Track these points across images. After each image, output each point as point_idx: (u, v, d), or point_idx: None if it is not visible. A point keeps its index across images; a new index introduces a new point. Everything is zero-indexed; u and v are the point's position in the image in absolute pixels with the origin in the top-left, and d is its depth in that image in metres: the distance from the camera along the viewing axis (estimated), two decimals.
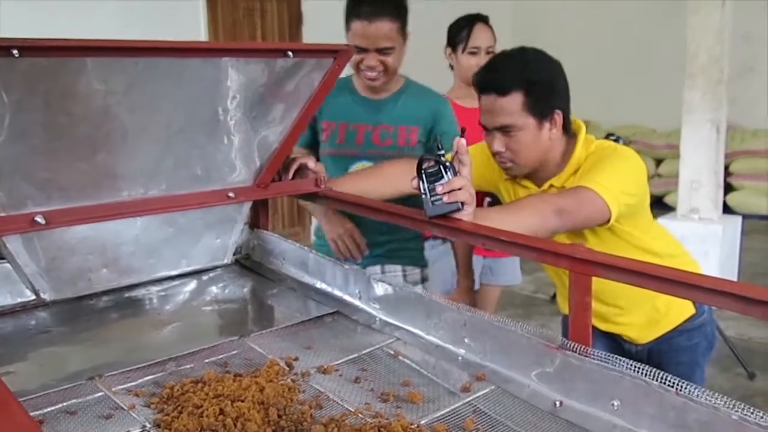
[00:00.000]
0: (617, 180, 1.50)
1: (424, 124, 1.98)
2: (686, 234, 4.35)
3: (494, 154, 1.61)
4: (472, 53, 2.49)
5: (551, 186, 1.62)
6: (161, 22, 4.83)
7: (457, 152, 1.32)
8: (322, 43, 1.39)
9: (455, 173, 1.30)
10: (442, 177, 1.28)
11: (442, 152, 1.30)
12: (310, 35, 5.72)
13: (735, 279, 4.58)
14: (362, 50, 1.85)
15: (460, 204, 1.30)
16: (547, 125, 1.56)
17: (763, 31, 6.97)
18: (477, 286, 2.59)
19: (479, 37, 2.48)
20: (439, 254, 2.57)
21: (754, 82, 7.16)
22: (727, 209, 5.82)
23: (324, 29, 5.79)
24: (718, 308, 1.03)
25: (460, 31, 2.51)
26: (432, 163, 1.30)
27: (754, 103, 7.05)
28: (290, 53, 1.32)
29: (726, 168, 5.64)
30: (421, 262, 2.14)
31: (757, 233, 6.01)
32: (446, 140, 1.40)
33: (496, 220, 1.35)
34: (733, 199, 6.70)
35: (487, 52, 2.46)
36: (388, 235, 1.99)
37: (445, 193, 1.29)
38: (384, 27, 1.83)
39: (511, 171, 1.63)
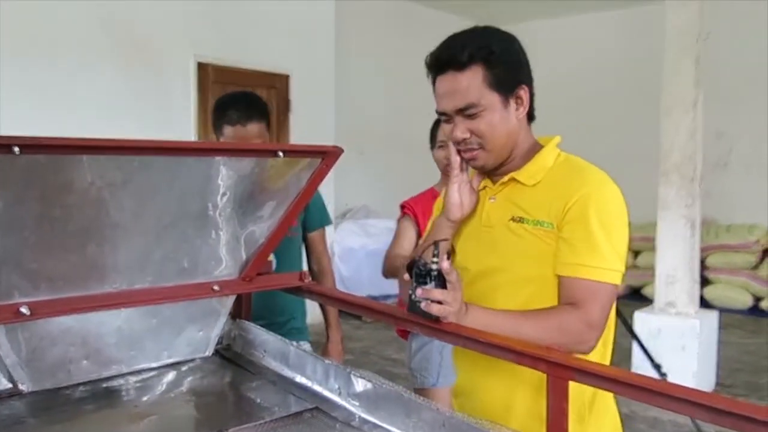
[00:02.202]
0: (621, 252, 1.37)
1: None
2: (664, 327, 4.39)
3: (457, 144, 1.44)
4: (441, 147, 2.60)
5: (512, 179, 1.44)
6: (152, 104, 4.96)
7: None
8: (310, 144, 1.45)
9: (442, 285, 1.26)
10: (427, 282, 1.28)
11: (436, 260, 1.26)
12: (297, 120, 5.90)
13: (713, 373, 4.58)
14: None
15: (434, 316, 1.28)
16: (513, 103, 1.40)
17: (735, 128, 7.27)
18: (435, 383, 2.59)
19: (444, 130, 2.61)
20: (422, 343, 2.59)
21: (728, 178, 7.40)
22: (704, 302, 5.89)
23: (309, 115, 5.96)
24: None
25: (432, 131, 2.64)
26: (422, 264, 1.28)
27: (728, 197, 7.26)
28: (281, 153, 1.38)
29: (702, 262, 5.76)
30: (308, 337, 2.43)
31: (733, 327, 6.07)
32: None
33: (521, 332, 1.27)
34: (709, 292, 6.80)
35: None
36: (286, 315, 2.28)
37: (423, 299, 1.27)
38: (254, 129, 2.12)
39: (477, 161, 1.44)
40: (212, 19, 5.30)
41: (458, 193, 1.48)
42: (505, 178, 1.45)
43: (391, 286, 2.51)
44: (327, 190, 2.32)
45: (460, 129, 1.40)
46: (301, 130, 5.87)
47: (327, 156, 1.44)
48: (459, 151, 1.45)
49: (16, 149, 1.07)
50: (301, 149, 1.43)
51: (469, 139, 1.41)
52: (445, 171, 1.69)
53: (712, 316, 4.67)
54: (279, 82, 5.68)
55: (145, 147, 1.21)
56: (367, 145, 7.21)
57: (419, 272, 1.28)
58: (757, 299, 6.81)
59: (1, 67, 4.15)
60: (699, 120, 4.34)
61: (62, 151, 1.14)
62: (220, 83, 5.27)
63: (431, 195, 2.57)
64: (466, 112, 1.38)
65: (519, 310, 1.36)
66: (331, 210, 3.92)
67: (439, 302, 1.25)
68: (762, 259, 6.87)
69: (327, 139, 6.06)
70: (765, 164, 7.28)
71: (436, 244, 1.27)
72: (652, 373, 1.74)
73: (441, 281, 1.26)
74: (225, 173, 1.37)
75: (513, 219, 1.43)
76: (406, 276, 1.31)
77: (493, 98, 1.38)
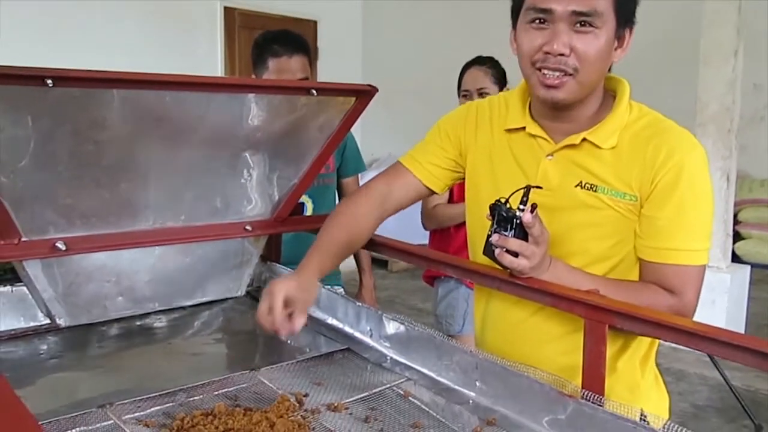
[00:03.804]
0: (711, 227, 1.24)
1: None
2: None
3: (544, 60, 1.16)
4: (465, 96, 2.56)
5: (584, 140, 1.23)
6: (178, 49, 4.92)
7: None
8: (344, 83, 1.42)
9: (524, 235, 1.14)
10: (507, 229, 1.16)
11: (522, 207, 1.14)
12: (324, 68, 5.82)
13: (742, 328, 4.55)
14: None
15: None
16: (617, 42, 1.19)
17: None
18: (461, 331, 2.59)
19: (468, 81, 2.57)
20: (448, 289, 2.59)
21: (763, 132, 7.20)
22: (735, 257, 5.81)
23: (336, 62, 5.88)
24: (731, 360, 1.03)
25: (460, 77, 2.61)
26: (505, 210, 1.16)
27: (764, 152, 7.08)
28: (314, 92, 1.35)
29: (734, 216, 5.65)
30: (341, 282, 2.41)
31: (764, 283, 5.98)
32: None
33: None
34: (741, 248, 6.67)
35: (480, 94, 2.51)
36: None
37: (498, 246, 1.16)
38: (298, 62, 2.13)
39: (560, 92, 1.18)
40: None
41: None
42: (576, 139, 1.23)
43: (417, 236, 2.50)
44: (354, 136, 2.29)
45: (562, 41, 1.13)
46: (328, 78, 5.80)
47: (361, 95, 1.41)
48: (542, 75, 1.17)
49: (50, 81, 1.06)
50: (336, 87, 1.40)
51: (567, 57, 1.14)
52: None
53: (744, 272, 4.61)
54: (306, 29, 5.61)
55: (178, 81, 1.19)
56: (394, 94, 7.11)
57: (501, 216, 1.15)
58: None
59: (29, 9, 4.14)
60: (739, 70, 4.20)
61: (95, 84, 1.12)
62: (246, 28, 5.21)
63: None
64: (583, 19, 1.13)
65: (610, 278, 1.23)
66: None
67: (515, 254, 1.14)
68: None
69: None
70: None
71: (528, 189, 1.14)
72: None
73: (523, 231, 1.14)
74: (257, 111, 1.35)
75: (581, 185, 1.24)
76: (488, 215, 1.17)
77: (611, 21, 1.15)
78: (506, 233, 1.15)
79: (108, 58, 4.50)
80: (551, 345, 1.31)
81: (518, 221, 1.13)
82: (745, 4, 4.18)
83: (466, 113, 1.41)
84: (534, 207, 1.13)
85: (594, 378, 1.11)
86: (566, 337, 1.26)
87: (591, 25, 1.13)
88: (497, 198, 1.17)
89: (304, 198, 2.23)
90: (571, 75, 1.16)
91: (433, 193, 1.45)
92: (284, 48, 2.12)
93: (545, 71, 1.16)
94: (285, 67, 2.11)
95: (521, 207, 1.14)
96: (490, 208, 1.17)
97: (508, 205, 1.16)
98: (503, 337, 1.40)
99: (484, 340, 1.45)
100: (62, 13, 4.29)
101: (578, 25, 1.13)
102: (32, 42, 4.13)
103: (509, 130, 1.32)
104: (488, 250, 1.19)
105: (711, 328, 1.00)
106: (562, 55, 1.14)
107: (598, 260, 1.25)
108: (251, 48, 2.25)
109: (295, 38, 2.19)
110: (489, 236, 1.18)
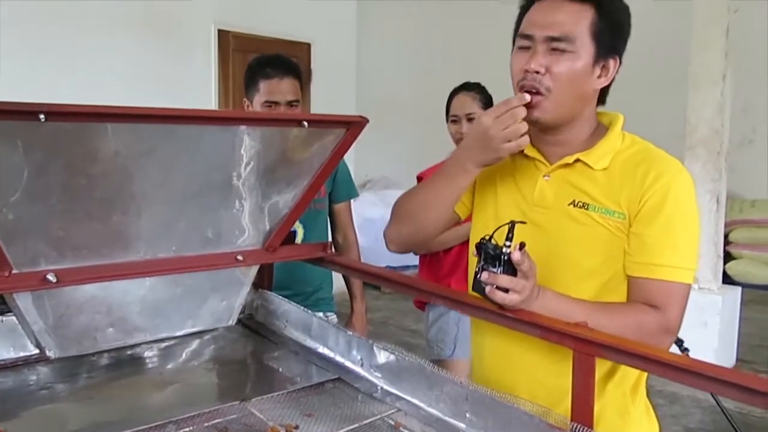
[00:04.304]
0: (697, 249, 1.29)
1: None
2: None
3: (523, 78, 1.26)
4: (453, 121, 2.58)
5: (578, 161, 1.31)
6: (173, 71, 4.94)
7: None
8: (335, 114, 1.43)
9: (512, 270, 1.16)
10: (495, 266, 1.17)
11: (509, 244, 1.16)
12: (318, 90, 5.85)
13: (734, 349, 4.55)
14: (274, 103, 2.17)
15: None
16: (599, 67, 1.27)
17: (762, 103, 7.12)
18: (452, 355, 2.60)
19: (456, 106, 2.60)
20: (439, 314, 2.60)
21: (753, 153, 7.28)
22: (726, 277, 5.83)
23: (330, 85, 5.91)
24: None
25: (448, 102, 2.64)
26: (491, 248, 1.18)
27: (753, 173, 7.14)
28: (305, 123, 1.36)
29: (725, 237, 5.68)
30: (334, 308, 2.46)
31: (755, 303, 5.99)
32: None
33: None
34: (732, 268, 6.72)
35: (468, 119, 2.54)
36: (314, 286, 2.32)
37: (488, 284, 1.17)
38: (289, 85, 2.19)
39: (535, 111, 1.26)
40: None
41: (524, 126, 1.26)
42: (570, 159, 1.31)
43: (410, 258, 2.51)
44: (347, 161, 2.31)
45: (538, 60, 1.24)
46: (322, 100, 5.84)
47: (352, 126, 1.42)
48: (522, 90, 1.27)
49: (42, 116, 1.06)
50: (327, 119, 1.41)
51: (542, 75, 1.24)
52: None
53: (735, 293, 4.62)
54: (300, 51, 5.64)
55: (170, 115, 1.20)
56: (388, 115, 7.16)
57: (488, 254, 1.17)
58: None
59: (24, 34, 4.15)
60: (727, 93, 4.25)
61: (87, 118, 1.13)
62: (240, 51, 5.25)
63: None
64: (556, 44, 1.24)
65: (595, 301, 1.26)
66: None
67: (505, 289, 1.16)
68: None
69: (348, 110, 6.03)
70: None
71: (512, 225, 1.17)
72: (674, 349, 1.73)
73: (511, 266, 1.16)
74: (249, 142, 1.36)
75: (574, 204, 1.30)
76: (474, 253, 1.21)
77: (588, 47, 1.24)
78: (494, 270, 1.17)
79: (104, 80, 4.52)
80: (545, 369, 1.33)
81: (506, 257, 1.15)
82: (733, 28, 4.23)
83: None
84: (522, 245, 1.15)
85: (583, 408, 1.11)
86: (561, 362, 1.28)
87: (566, 49, 1.24)
88: (482, 236, 1.19)
89: (296, 224, 2.24)
90: (543, 95, 1.25)
91: (458, 218, 1.48)
92: (275, 71, 2.17)
93: (526, 87, 1.26)
94: (276, 89, 2.16)
95: (507, 244, 1.15)
96: (476, 246, 1.19)
97: (494, 242, 1.17)
98: (498, 363, 1.42)
99: (482, 365, 1.47)
100: (58, 35, 4.31)
101: (554, 48, 1.24)
102: (28, 66, 4.15)
103: (511, 155, 1.35)
104: (478, 287, 1.20)
105: (697, 363, 1.01)
106: (537, 72, 1.24)
107: (589, 276, 1.30)
108: (245, 71, 2.28)
109: (286, 61, 2.24)
110: (476, 274, 1.19)
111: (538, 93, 1.25)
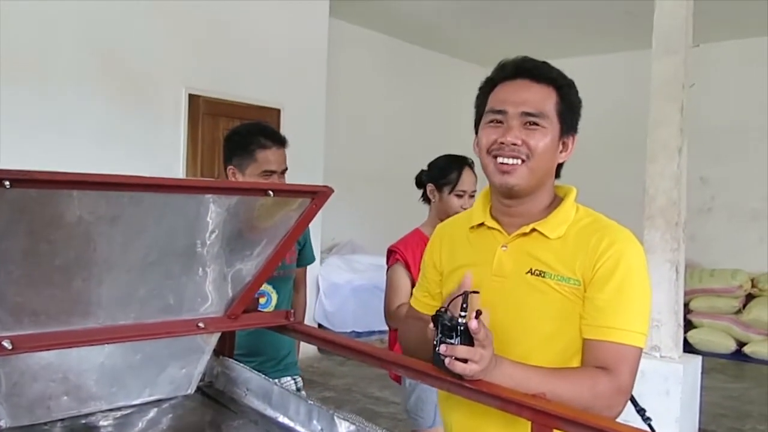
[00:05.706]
0: (648, 314, 1.35)
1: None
2: (648, 371, 4.37)
3: (500, 150, 1.35)
4: (459, 195, 2.60)
5: (534, 230, 1.38)
6: (143, 134, 4.96)
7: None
8: (300, 184, 1.46)
9: (469, 341, 1.18)
10: (452, 337, 1.19)
11: (464, 314, 1.18)
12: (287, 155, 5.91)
13: (696, 418, 4.56)
14: (271, 172, 2.23)
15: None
16: (561, 144, 1.40)
17: (718, 174, 7.40)
18: (433, 424, 2.57)
19: (466, 181, 2.61)
20: (415, 384, 2.57)
21: (711, 222, 7.50)
22: (687, 346, 5.90)
23: (299, 149, 5.99)
24: None
25: (449, 173, 2.61)
26: (447, 319, 1.20)
27: (712, 242, 7.35)
28: (271, 192, 1.38)
29: (686, 305, 5.79)
30: (299, 371, 2.48)
31: (716, 372, 6.07)
32: None
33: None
34: (693, 336, 6.83)
35: (470, 196, 2.58)
36: (285, 350, 2.33)
37: (447, 356, 1.19)
38: (283, 152, 2.28)
39: (513, 177, 1.35)
40: (204, 51, 5.35)
41: None
42: (527, 229, 1.38)
43: (376, 323, 2.51)
44: (313, 224, 2.35)
45: (515, 134, 1.34)
46: (291, 163, 5.88)
47: (317, 196, 1.45)
48: (497, 162, 1.36)
49: (7, 183, 1.07)
50: (292, 189, 1.44)
51: (520, 147, 1.34)
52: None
53: (696, 361, 4.66)
54: (270, 116, 5.71)
55: (136, 183, 1.21)
56: (355, 181, 7.24)
57: (445, 326, 1.19)
58: (740, 344, 6.84)
59: None
60: (683, 166, 4.40)
61: (53, 185, 1.13)
62: (210, 115, 5.29)
63: (419, 237, 2.57)
64: (531, 119, 1.35)
65: (551, 368, 1.29)
66: (317, 245, 3.94)
67: (464, 360, 1.18)
68: (745, 304, 6.92)
69: (316, 175, 6.09)
70: (748, 211, 7.40)
71: (465, 296, 1.20)
72: (637, 418, 1.73)
73: (468, 337, 1.17)
74: (214, 211, 1.37)
75: (531, 272, 1.36)
76: (431, 325, 1.22)
77: (555, 124, 1.37)
78: (452, 341, 1.18)
79: (74, 140, 4.51)
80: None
81: (462, 328, 1.17)
82: (688, 104, 4.42)
83: (436, 236, 1.60)
84: (479, 313, 1.17)
85: None
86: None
87: (538, 125, 1.35)
88: (437, 309, 1.22)
89: (269, 288, 2.25)
90: (524, 162, 1.35)
91: None
92: (272, 141, 2.25)
93: (500, 158, 1.36)
94: (273, 159, 2.23)
95: (462, 314, 1.18)
96: (432, 318, 1.22)
97: (449, 314, 1.20)
98: (467, 423, 1.43)
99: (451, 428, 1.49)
100: (27, 95, 4.32)
101: (528, 123, 1.35)
102: None
103: (472, 228, 1.48)
104: (437, 360, 1.22)
105: None
106: (515, 144, 1.34)
107: (548, 340, 1.35)
108: (227, 138, 2.31)
109: (276, 131, 2.33)
110: (435, 346, 1.21)
111: (516, 161, 1.35)
